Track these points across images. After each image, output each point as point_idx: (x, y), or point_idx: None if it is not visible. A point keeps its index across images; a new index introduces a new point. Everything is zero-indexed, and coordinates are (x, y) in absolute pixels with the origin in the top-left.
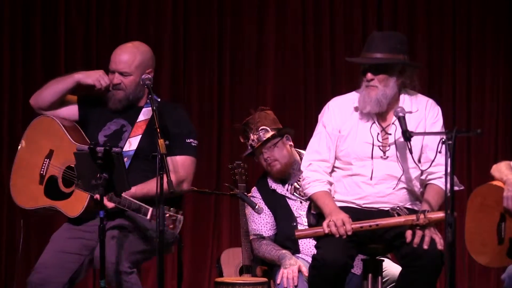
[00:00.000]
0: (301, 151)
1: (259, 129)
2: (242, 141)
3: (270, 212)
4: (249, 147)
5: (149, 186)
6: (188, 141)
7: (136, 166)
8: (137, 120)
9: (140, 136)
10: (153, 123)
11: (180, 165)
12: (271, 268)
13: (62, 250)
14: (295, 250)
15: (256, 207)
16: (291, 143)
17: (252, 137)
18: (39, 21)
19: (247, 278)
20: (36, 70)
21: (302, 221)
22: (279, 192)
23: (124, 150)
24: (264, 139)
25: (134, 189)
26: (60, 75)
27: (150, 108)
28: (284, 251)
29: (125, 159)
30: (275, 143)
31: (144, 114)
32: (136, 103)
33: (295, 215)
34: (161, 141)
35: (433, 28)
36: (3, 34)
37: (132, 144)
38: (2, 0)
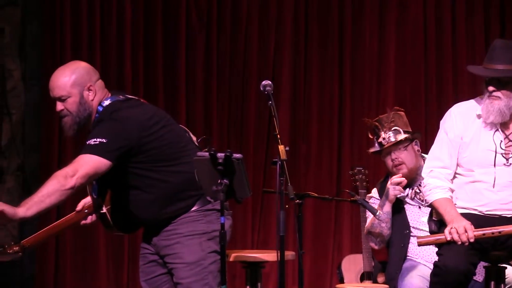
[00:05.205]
0: (425, 155)
1: (392, 129)
2: (371, 137)
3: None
4: (377, 145)
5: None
6: (87, 142)
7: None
8: None
9: None
10: None
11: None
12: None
13: None
14: (403, 257)
15: (377, 213)
16: (419, 148)
17: (383, 135)
18: (161, 25)
19: (369, 285)
20: (157, 74)
21: (418, 226)
22: (398, 196)
23: None
24: (396, 140)
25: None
26: (179, 79)
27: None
28: None
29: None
30: (405, 146)
31: None
32: (87, 125)
33: (409, 222)
34: (281, 147)
35: None
36: (125, 38)
37: None
38: (124, 4)
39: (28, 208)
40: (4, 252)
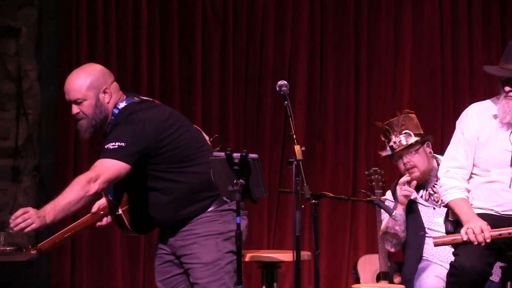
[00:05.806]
0: (439, 156)
1: (402, 132)
2: (382, 139)
3: (403, 218)
4: (389, 148)
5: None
6: (106, 146)
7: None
8: None
9: None
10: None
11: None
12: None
13: None
14: (419, 258)
15: (393, 214)
16: (431, 150)
17: (393, 139)
18: (177, 24)
19: (385, 285)
20: (173, 73)
21: (432, 227)
22: (411, 198)
23: None
24: (407, 143)
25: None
26: (195, 79)
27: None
28: None
29: None
30: (416, 149)
31: None
32: (103, 128)
33: (424, 223)
34: (297, 147)
35: None
36: (141, 37)
37: None
38: (140, 4)
39: (56, 215)
40: (20, 252)
